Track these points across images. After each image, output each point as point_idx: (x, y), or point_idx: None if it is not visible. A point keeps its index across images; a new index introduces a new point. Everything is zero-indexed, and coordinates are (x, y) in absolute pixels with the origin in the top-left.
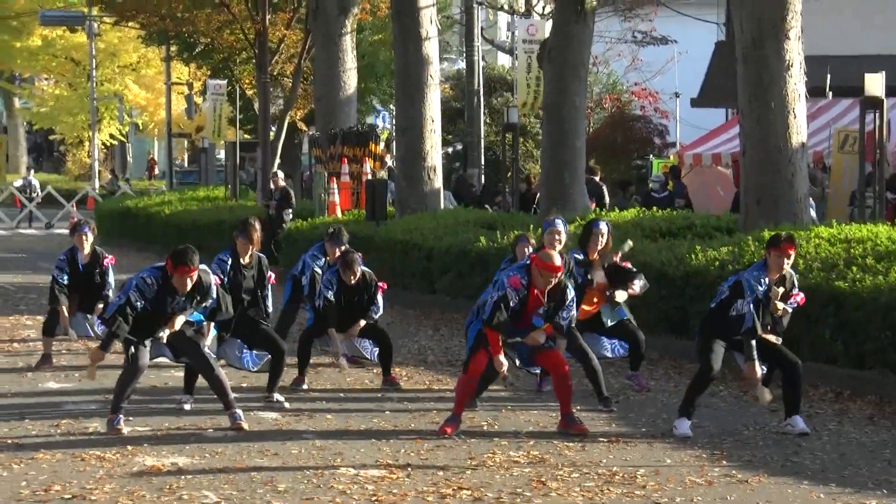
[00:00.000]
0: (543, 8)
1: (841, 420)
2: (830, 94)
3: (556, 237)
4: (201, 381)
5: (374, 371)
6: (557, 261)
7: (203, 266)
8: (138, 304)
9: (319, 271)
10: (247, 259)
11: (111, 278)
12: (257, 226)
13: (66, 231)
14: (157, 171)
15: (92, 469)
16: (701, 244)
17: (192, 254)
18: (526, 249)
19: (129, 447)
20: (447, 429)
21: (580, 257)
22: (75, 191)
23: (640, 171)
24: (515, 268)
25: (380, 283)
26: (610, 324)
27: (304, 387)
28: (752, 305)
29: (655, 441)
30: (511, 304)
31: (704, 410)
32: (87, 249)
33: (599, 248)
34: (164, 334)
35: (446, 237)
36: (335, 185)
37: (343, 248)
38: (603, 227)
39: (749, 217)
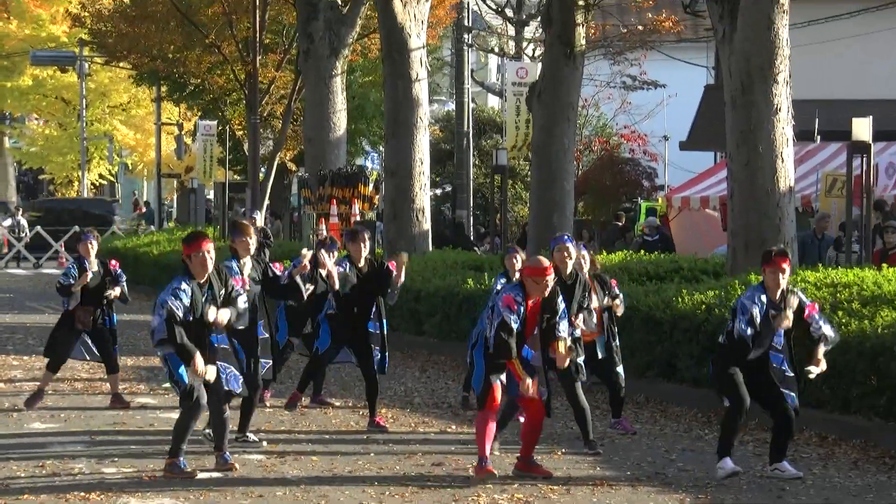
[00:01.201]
0: (533, 51)
1: (826, 464)
2: (818, 138)
3: (566, 254)
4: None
5: (360, 413)
6: (545, 262)
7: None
8: (179, 312)
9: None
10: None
11: (120, 273)
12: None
13: (55, 271)
14: (142, 210)
15: None
16: (688, 288)
17: (202, 231)
18: (514, 260)
19: (114, 489)
20: (479, 473)
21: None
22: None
23: (629, 213)
24: (507, 288)
25: (390, 262)
26: (601, 355)
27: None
28: (744, 324)
29: (640, 484)
30: (513, 326)
31: (689, 454)
32: (93, 257)
33: (571, 263)
34: (213, 314)
35: (434, 279)
36: (324, 227)
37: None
38: (567, 242)
39: (736, 260)
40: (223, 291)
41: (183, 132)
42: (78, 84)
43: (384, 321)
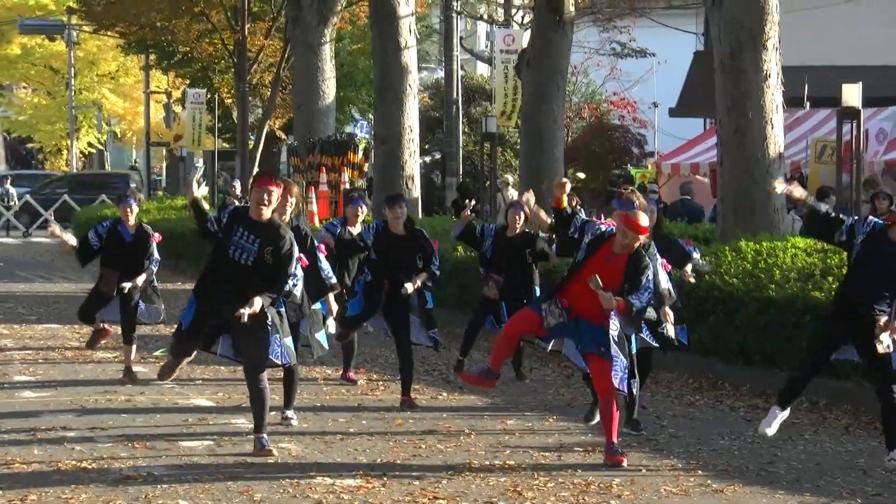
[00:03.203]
0: (522, 17)
1: (817, 429)
2: (808, 104)
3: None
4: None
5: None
6: (643, 220)
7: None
8: (212, 227)
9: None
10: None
11: (156, 252)
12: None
13: (45, 240)
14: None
15: (68, 478)
16: None
17: (280, 176)
18: (518, 217)
19: (105, 456)
20: (482, 381)
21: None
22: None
23: (619, 180)
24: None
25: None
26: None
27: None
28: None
29: (631, 451)
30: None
31: (680, 420)
32: (132, 221)
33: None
34: (245, 312)
35: None
36: (313, 195)
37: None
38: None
39: (726, 226)
40: (270, 248)
41: (171, 100)
42: (66, 53)
43: (427, 294)
